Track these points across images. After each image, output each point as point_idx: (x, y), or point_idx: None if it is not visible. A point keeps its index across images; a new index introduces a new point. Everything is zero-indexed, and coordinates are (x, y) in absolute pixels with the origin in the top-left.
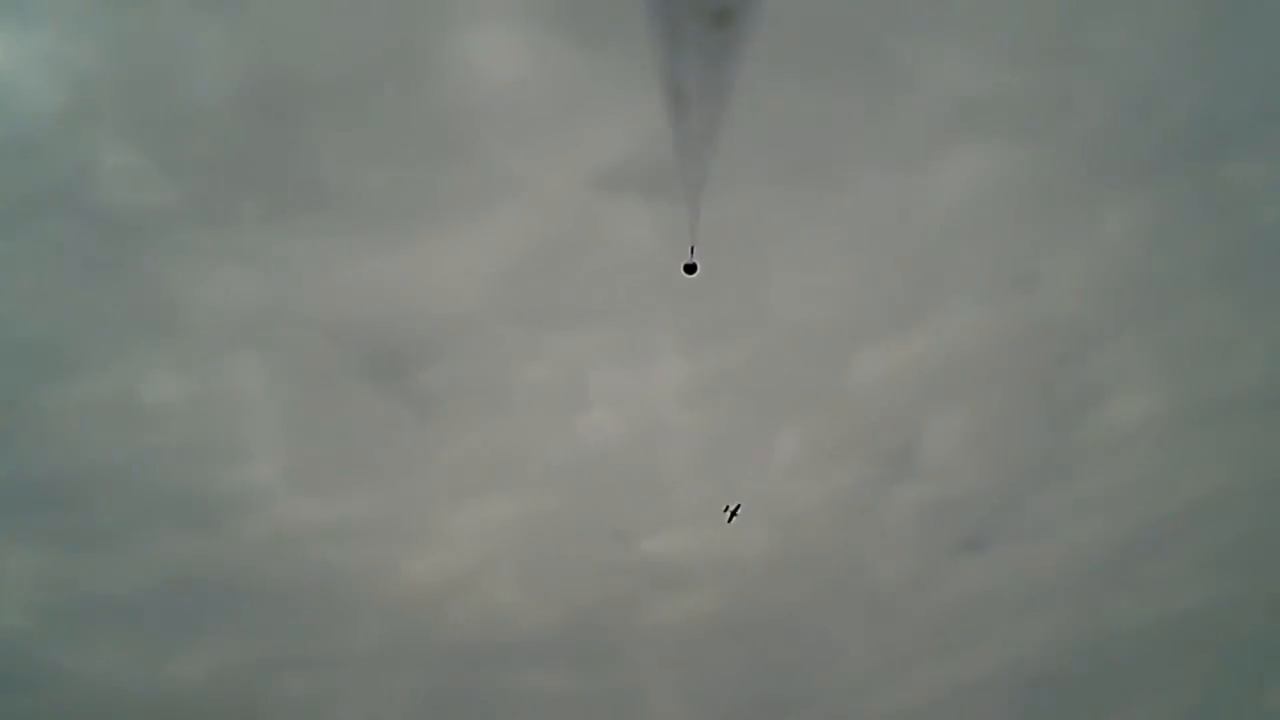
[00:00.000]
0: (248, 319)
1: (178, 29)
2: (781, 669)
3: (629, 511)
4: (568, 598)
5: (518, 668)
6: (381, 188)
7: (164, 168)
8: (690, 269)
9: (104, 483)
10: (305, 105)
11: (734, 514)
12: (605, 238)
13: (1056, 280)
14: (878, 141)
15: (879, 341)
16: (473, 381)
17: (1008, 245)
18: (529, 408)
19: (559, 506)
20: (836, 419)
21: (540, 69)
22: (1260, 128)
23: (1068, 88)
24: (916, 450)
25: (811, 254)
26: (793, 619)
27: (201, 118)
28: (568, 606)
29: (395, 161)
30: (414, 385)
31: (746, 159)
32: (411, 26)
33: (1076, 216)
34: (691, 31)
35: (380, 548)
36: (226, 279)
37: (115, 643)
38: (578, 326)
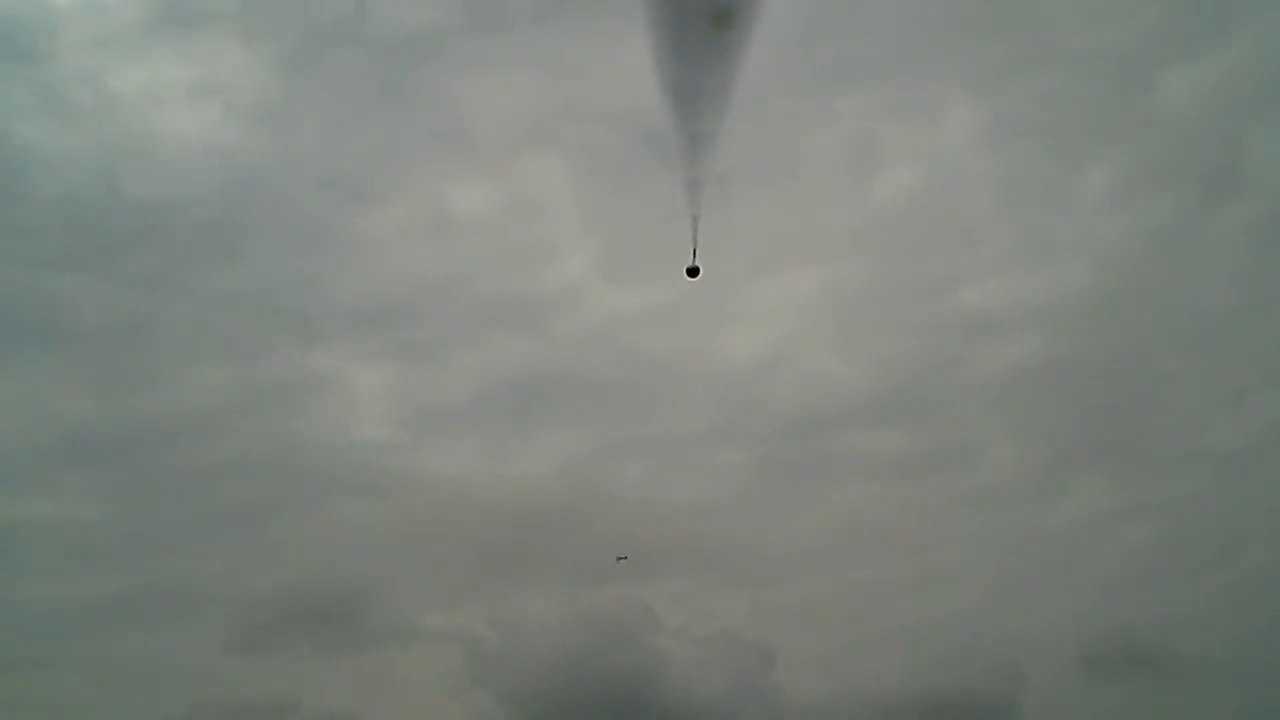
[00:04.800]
0: (536, 121)
1: None
2: (1111, 408)
3: (937, 266)
4: (886, 359)
5: (843, 432)
6: None
7: None
8: (693, 272)
9: (429, 297)
10: None
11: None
12: None
13: None
14: None
15: (1188, 59)
16: (762, 156)
17: None
18: (821, 175)
19: (864, 270)
20: (1147, 146)
21: None
22: None
23: None
24: (1239, 169)
25: None
26: (1119, 357)
27: None
28: (887, 367)
29: None
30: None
31: None
32: None
33: None
34: (693, 33)
35: (695, 330)
36: (510, 84)
37: (462, 445)
38: (862, 86)
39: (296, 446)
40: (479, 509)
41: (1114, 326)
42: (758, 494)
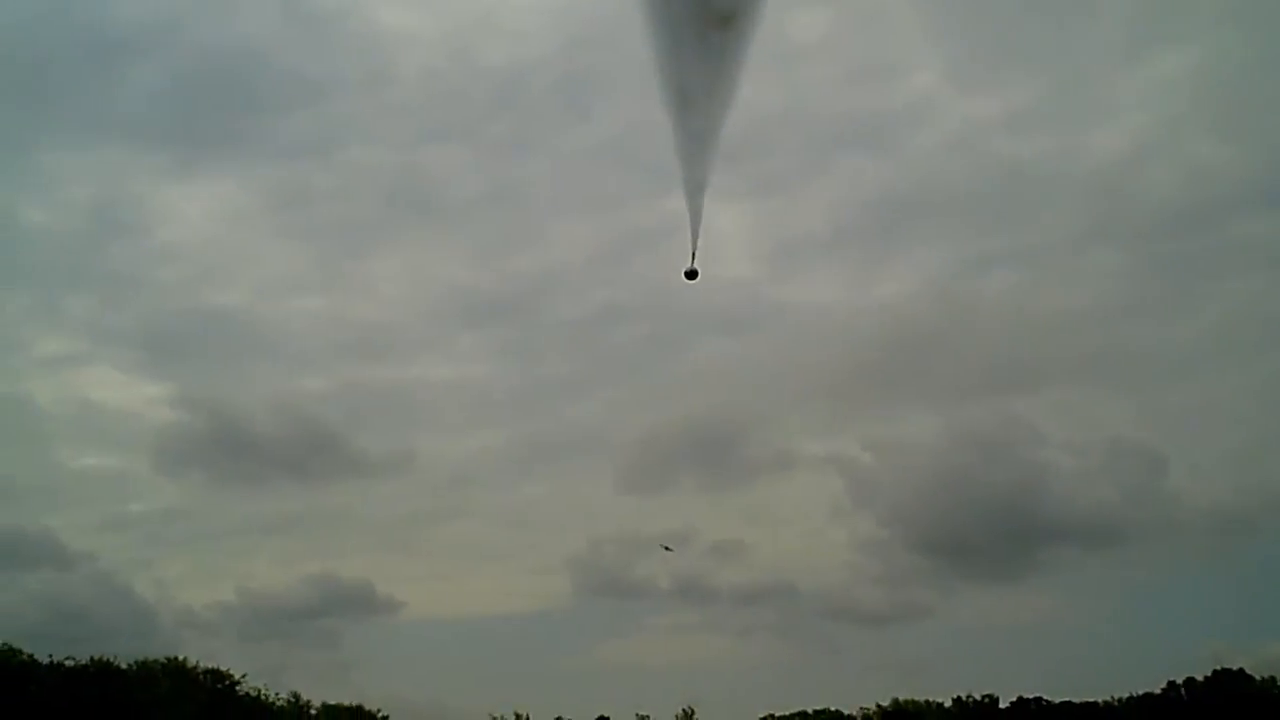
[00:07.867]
0: None
1: None
2: None
3: None
4: (1275, 136)
5: (1234, 219)
6: None
7: None
8: (691, 275)
9: (777, 128)
10: None
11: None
12: None
13: None
14: None
15: None
16: None
17: None
18: None
19: (1244, 41)
20: None
21: None
22: None
23: None
24: None
25: None
26: None
27: None
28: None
29: None
30: None
31: None
32: None
33: None
34: (693, 33)
35: (1059, 130)
36: None
37: (823, 273)
38: None
39: (663, 290)
40: (846, 335)
41: None
42: (1141, 294)
